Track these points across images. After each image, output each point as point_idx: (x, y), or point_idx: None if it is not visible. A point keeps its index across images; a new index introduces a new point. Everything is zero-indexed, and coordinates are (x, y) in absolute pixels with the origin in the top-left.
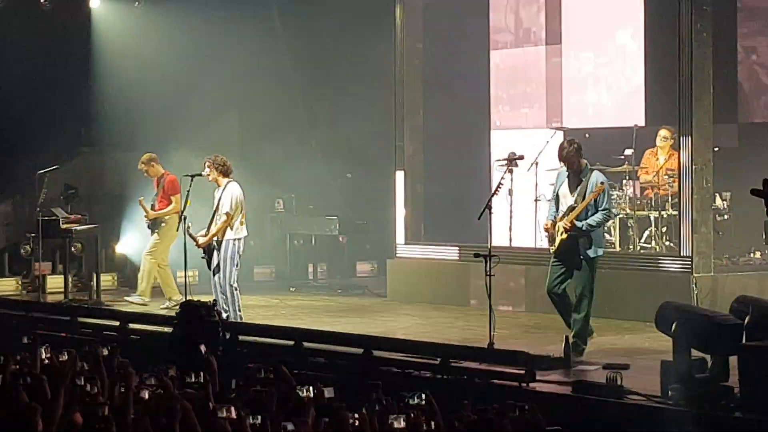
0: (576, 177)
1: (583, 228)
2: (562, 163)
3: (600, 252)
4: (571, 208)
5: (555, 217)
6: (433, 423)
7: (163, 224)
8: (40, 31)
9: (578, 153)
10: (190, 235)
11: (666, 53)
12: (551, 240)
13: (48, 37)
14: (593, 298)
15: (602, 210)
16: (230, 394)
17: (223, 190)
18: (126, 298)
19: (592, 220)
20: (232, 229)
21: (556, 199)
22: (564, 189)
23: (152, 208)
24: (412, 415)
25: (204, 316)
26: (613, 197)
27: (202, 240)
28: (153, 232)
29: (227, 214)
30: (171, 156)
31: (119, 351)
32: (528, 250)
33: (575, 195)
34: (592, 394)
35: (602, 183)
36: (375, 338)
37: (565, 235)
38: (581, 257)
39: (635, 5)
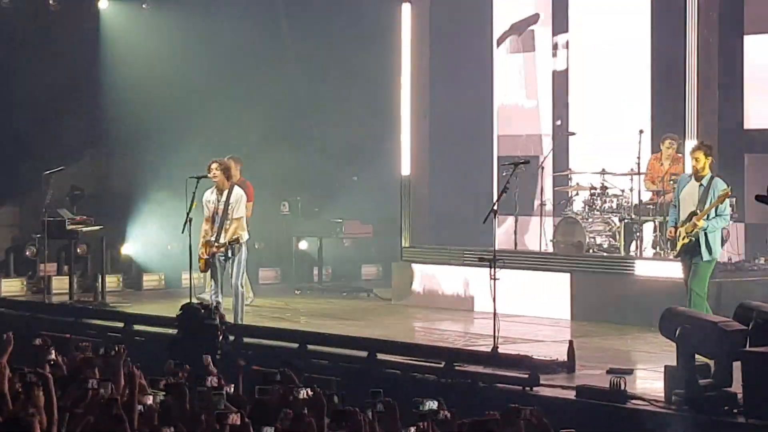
0: (697, 182)
1: (707, 228)
2: (691, 158)
3: (716, 256)
4: (693, 214)
5: (677, 222)
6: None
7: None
8: (48, 32)
9: (709, 156)
10: (208, 241)
11: (672, 59)
12: (673, 245)
13: (55, 38)
14: (706, 300)
15: (722, 215)
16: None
17: (229, 193)
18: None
19: (714, 222)
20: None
21: (678, 204)
22: (684, 194)
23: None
24: (421, 425)
25: (204, 319)
26: (619, 202)
27: (218, 243)
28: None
29: (241, 218)
30: (176, 156)
31: (126, 353)
32: (533, 254)
33: (697, 201)
34: (595, 398)
35: (726, 189)
36: (379, 341)
37: (687, 240)
38: (700, 260)
39: (642, 12)
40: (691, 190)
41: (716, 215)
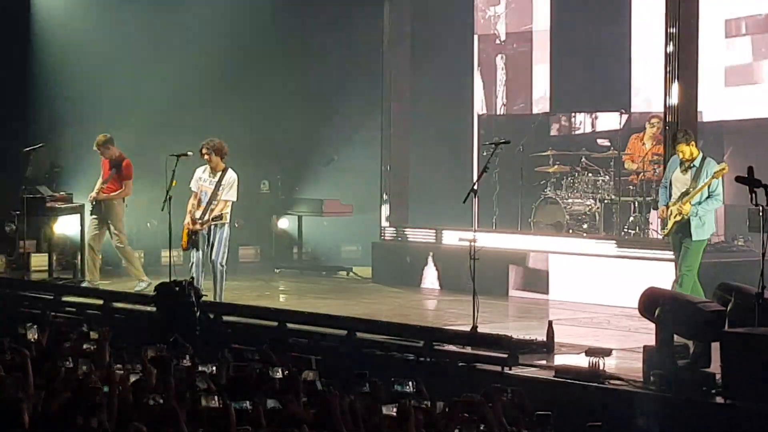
0: (689, 164)
1: (697, 212)
2: (676, 151)
3: (708, 236)
4: (686, 193)
5: (667, 202)
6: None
7: (106, 207)
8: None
9: (691, 142)
10: (194, 219)
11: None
12: (664, 224)
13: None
14: (697, 280)
15: (715, 196)
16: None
17: (222, 174)
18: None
19: (705, 204)
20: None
21: (669, 184)
22: (677, 174)
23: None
24: (404, 403)
25: (179, 297)
26: (598, 182)
27: (201, 221)
28: (93, 214)
29: (229, 201)
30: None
31: (110, 335)
32: (513, 234)
33: (689, 181)
34: (574, 378)
35: (722, 166)
36: (359, 320)
37: (679, 218)
38: (690, 240)
39: None
40: (684, 171)
41: (708, 196)
